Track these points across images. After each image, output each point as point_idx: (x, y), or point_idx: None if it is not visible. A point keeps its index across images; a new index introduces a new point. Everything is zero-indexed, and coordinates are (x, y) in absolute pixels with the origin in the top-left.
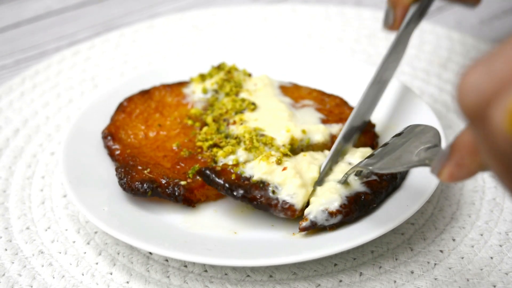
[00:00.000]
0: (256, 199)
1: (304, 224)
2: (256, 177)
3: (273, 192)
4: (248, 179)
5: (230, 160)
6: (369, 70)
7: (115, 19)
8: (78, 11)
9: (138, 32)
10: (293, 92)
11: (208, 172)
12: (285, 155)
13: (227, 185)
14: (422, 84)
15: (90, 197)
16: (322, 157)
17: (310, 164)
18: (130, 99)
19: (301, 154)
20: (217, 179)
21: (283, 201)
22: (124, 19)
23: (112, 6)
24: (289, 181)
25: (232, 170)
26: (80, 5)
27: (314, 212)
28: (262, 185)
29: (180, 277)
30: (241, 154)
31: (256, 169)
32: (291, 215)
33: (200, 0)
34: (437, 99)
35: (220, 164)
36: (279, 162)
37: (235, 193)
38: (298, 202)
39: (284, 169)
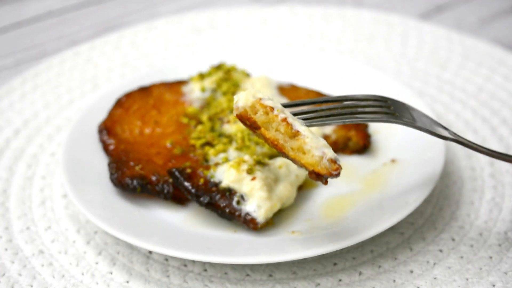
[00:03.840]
0: (220, 207)
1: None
2: (224, 184)
3: (238, 202)
4: (216, 184)
5: (220, 159)
6: (368, 71)
7: (115, 20)
8: (78, 11)
9: (138, 33)
10: (291, 93)
11: (177, 173)
12: (259, 163)
13: (193, 190)
14: (421, 84)
15: (90, 197)
16: (298, 169)
17: (283, 178)
18: (128, 95)
19: (277, 165)
20: (184, 183)
21: (246, 213)
22: (124, 20)
23: (112, 6)
24: (256, 193)
25: (202, 174)
26: (80, 5)
27: None
28: (229, 193)
29: (180, 277)
30: (232, 152)
31: (226, 175)
32: (253, 228)
33: (200, 1)
34: (436, 99)
35: (211, 163)
36: (250, 171)
37: (201, 199)
38: (260, 216)
39: (253, 179)
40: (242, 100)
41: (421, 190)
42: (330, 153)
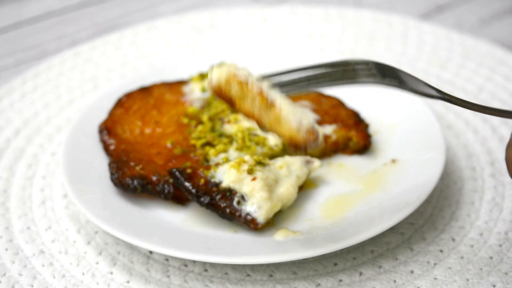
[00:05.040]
0: (220, 208)
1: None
2: (225, 184)
3: (239, 202)
4: (217, 185)
5: (220, 159)
6: None
7: (115, 20)
8: (78, 11)
9: (138, 33)
10: None
11: (177, 174)
12: (259, 163)
13: (193, 190)
14: None
15: (90, 197)
16: (299, 170)
17: (283, 178)
18: (129, 95)
19: (278, 165)
20: (185, 183)
21: (247, 213)
22: (124, 20)
23: (112, 6)
24: (256, 193)
25: (202, 174)
26: (80, 5)
27: None
28: (229, 193)
29: (180, 277)
30: (232, 153)
31: (226, 175)
32: (254, 228)
33: (200, 1)
34: None
35: (212, 163)
36: (250, 171)
37: (201, 200)
38: (260, 216)
39: (254, 179)
40: (216, 76)
41: (421, 190)
42: (307, 122)
